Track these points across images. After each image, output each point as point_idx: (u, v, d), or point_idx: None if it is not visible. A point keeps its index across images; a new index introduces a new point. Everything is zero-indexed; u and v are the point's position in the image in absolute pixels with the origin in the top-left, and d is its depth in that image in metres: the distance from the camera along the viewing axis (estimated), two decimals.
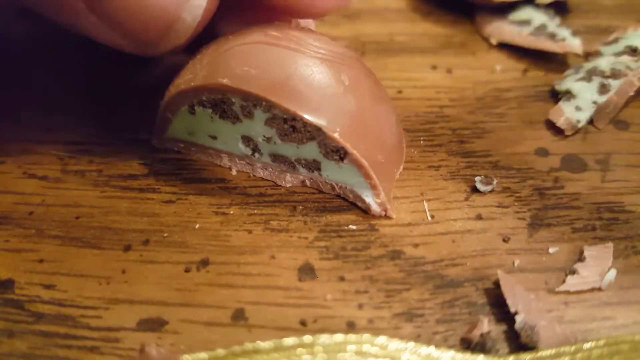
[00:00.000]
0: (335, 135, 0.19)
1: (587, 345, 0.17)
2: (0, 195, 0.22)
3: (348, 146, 0.19)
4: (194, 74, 0.20)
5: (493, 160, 0.23)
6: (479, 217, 0.21)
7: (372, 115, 0.20)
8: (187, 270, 0.19)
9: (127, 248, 0.20)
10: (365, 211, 0.21)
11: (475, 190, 0.22)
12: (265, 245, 0.20)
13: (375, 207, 0.21)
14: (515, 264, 0.19)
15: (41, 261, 0.20)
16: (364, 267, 0.19)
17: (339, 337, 0.16)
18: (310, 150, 0.20)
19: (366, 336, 0.17)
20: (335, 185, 0.21)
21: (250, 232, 0.20)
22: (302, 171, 0.21)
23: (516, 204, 0.21)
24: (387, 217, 0.21)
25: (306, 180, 0.22)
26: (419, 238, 0.20)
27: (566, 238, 0.20)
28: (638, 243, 0.20)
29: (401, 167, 0.22)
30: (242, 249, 0.20)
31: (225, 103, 0.20)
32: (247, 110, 0.20)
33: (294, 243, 0.20)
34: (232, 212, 0.21)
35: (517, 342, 0.17)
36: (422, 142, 0.23)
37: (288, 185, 0.22)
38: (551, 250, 0.20)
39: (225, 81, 0.19)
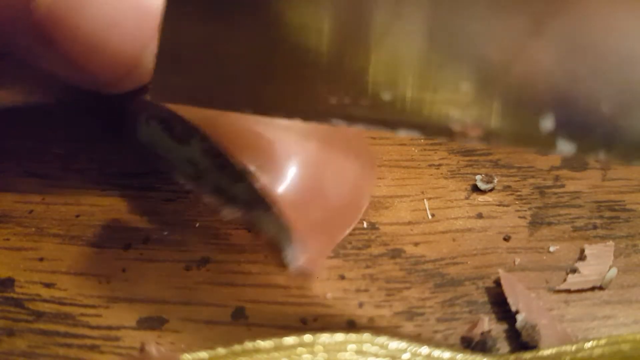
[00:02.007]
0: (262, 183, 0.17)
1: (588, 345, 0.16)
2: (0, 194, 0.22)
3: (273, 197, 0.18)
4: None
5: (494, 158, 0.23)
6: (480, 216, 0.21)
7: (321, 170, 0.19)
8: (187, 269, 0.19)
9: (127, 246, 0.20)
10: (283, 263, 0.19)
11: (475, 188, 0.22)
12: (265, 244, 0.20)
13: (294, 267, 0.19)
14: (516, 263, 0.19)
15: (41, 259, 0.20)
16: (364, 266, 0.19)
17: (339, 336, 0.16)
18: (242, 191, 0.19)
19: (366, 335, 0.17)
20: (265, 232, 0.20)
21: (250, 230, 0.20)
22: (238, 208, 0.20)
23: (517, 202, 0.21)
24: (306, 281, 0.19)
25: (241, 218, 0.20)
26: (419, 237, 0.20)
27: (567, 237, 0.20)
28: (639, 241, 0.20)
29: (350, 228, 0.20)
30: (243, 247, 0.20)
31: (170, 122, 0.20)
32: (186, 135, 0.20)
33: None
34: None
35: (518, 341, 0.17)
36: (422, 140, 0.23)
37: (226, 219, 0.20)
38: (552, 248, 0.20)
39: None
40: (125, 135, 0.22)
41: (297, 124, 0.18)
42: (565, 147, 0.12)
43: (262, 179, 0.18)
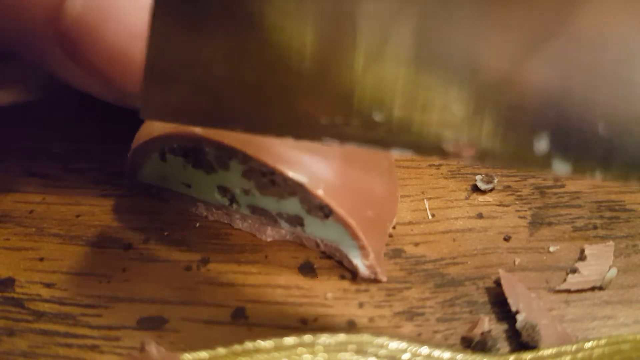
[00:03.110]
0: (319, 192, 0.17)
1: (588, 345, 0.16)
2: (0, 194, 0.22)
3: (333, 204, 0.17)
4: None
5: None
6: (480, 216, 0.21)
7: (360, 166, 0.19)
8: (187, 269, 0.19)
9: (128, 246, 0.20)
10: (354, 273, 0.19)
11: (476, 188, 0.22)
12: (265, 244, 0.20)
13: (363, 270, 0.19)
14: (516, 263, 0.19)
15: (41, 259, 0.20)
16: None
17: (339, 336, 0.16)
18: (292, 206, 0.19)
19: (366, 335, 0.17)
20: (320, 243, 0.19)
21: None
22: (284, 225, 0.20)
23: (517, 202, 0.21)
24: (376, 280, 0.19)
25: (288, 235, 0.20)
26: (419, 237, 0.20)
27: (567, 237, 0.20)
28: (639, 242, 0.20)
29: (394, 220, 0.20)
30: (243, 247, 0.20)
31: (198, 152, 0.19)
32: (222, 161, 0.19)
33: (294, 241, 0.20)
34: None
35: (518, 341, 0.17)
36: None
37: (269, 240, 0.20)
38: (552, 248, 0.20)
39: (197, 130, 0.18)
40: (130, 179, 0.22)
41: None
42: (561, 168, 0.12)
43: (317, 189, 0.17)
